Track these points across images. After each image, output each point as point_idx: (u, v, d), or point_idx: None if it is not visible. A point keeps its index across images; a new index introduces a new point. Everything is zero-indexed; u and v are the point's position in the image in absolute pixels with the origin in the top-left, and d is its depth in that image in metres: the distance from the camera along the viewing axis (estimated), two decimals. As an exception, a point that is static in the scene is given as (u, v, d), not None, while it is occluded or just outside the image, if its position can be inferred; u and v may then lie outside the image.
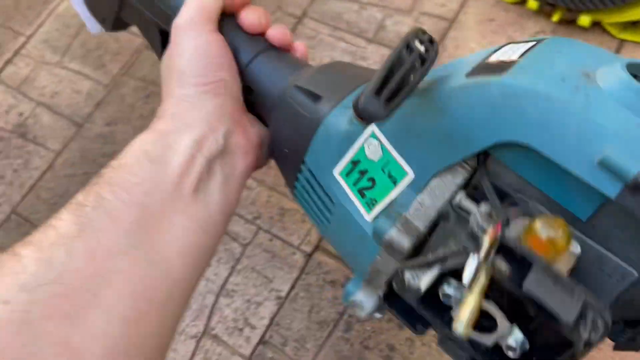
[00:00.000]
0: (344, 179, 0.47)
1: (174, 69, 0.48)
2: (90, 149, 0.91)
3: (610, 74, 0.32)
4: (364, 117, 0.35)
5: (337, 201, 0.48)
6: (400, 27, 0.91)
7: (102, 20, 0.71)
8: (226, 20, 0.56)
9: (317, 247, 0.77)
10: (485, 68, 0.37)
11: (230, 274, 0.78)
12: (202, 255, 0.42)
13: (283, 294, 0.75)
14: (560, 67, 0.34)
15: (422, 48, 0.37)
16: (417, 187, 0.41)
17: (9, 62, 1.02)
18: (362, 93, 0.36)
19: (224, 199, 0.45)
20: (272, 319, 0.74)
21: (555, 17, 0.82)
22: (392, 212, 0.42)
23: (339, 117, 0.47)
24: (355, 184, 0.46)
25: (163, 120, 0.46)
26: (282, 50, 0.58)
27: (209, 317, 0.75)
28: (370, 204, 0.45)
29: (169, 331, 0.38)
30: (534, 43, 0.38)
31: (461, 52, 0.86)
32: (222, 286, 0.77)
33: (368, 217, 0.45)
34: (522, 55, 0.36)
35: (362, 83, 0.49)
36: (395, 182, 0.43)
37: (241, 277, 0.77)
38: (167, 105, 0.47)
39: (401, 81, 0.36)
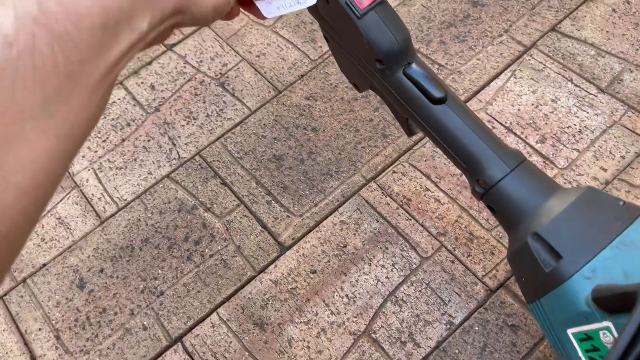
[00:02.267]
0: (577, 342, 0.51)
1: None
2: (285, 116, 0.91)
3: None
4: None
5: (568, 354, 0.52)
6: (639, 85, 0.84)
7: None
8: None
9: (502, 285, 0.72)
10: None
11: (402, 282, 0.74)
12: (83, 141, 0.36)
13: (456, 321, 0.70)
14: None
15: None
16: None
17: (224, 13, 1.05)
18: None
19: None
20: (439, 343, 0.69)
21: None
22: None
23: (579, 288, 0.49)
24: (587, 351, 0.50)
25: None
26: (533, 167, 0.59)
27: (373, 319, 0.72)
28: None
29: (42, 210, 0.34)
30: None
31: None
32: (392, 292, 0.73)
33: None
34: None
35: (610, 238, 0.50)
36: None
37: (414, 289, 0.73)
38: None
39: None
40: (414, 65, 0.63)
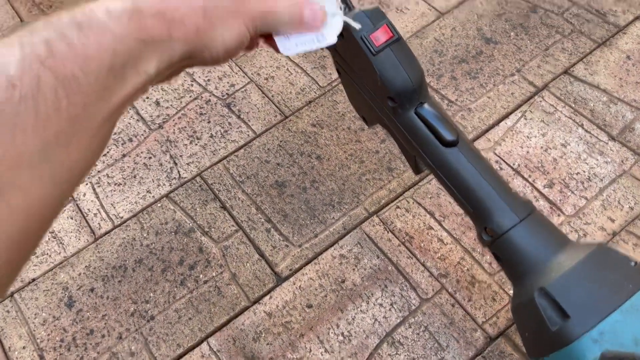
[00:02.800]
0: None
1: None
2: (290, 142, 0.89)
3: None
4: None
5: None
6: (650, 135, 0.83)
7: None
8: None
9: (502, 333, 0.70)
10: None
11: (400, 323, 0.72)
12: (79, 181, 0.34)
13: (453, 368, 0.68)
14: None
15: None
16: None
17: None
18: None
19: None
20: (434, 390, 0.67)
21: None
22: None
23: (586, 351, 0.48)
24: None
25: None
26: (543, 218, 0.57)
27: (367, 360, 0.70)
28: None
29: (30, 257, 0.32)
30: None
31: None
32: (389, 333, 0.71)
33: None
34: None
35: (621, 301, 0.49)
36: None
37: (411, 332, 0.71)
38: None
39: None
40: (426, 106, 0.61)
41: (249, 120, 0.92)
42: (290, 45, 0.47)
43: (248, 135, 0.91)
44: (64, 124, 0.29)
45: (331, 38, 0.49)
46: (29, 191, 0.29)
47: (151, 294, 0.77)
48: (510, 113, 0.88)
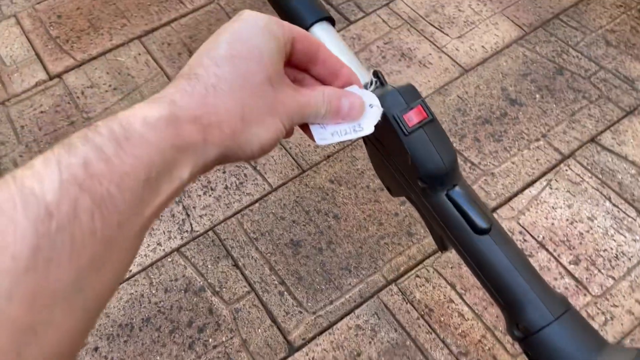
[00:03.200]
0: None
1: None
2: (307, 198, 0.87)
3: None
4: None
5: None
6: (680, 213, 0.80)
7: None
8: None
9: (525, 423, 0.66)
10: None
11: (418, 406, 0.68)
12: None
13: None
14: None
15: None
16: None
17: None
18: None
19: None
20: None
21: None
22: None
23: None
24: None
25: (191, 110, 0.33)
26: (579, 317, 0.54)
27: None
28: None
29: None
30: None
31: None
32: (406, 416, 0.68)
33: None
34: None
35: None
36: None
37: (429, 415, 0.68)
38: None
39: None
40: (458, 188, 0.59)
41: (265, 173, 0.90)
42: (326, 134, 0.45)
43: (264, 188, 0.88)
44: (98, 248, 0.27)
45: (368, 128, 0.47)
46: (60, 326, 0.27)
47: (158, 357, 0.74)
48: (535, 181, 0.85)
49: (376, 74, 0.58)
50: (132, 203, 0.28)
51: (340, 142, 0.43)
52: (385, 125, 0.60)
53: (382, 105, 0.56)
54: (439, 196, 0.59)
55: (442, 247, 0.66)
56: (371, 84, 0.59)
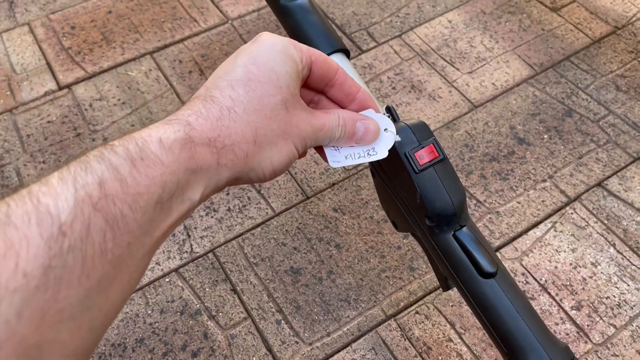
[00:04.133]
0: None
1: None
2: (309, 225, 0.86)
3: None
4: None
5: None
6: (684, 264, 0.80)
7: None
8: None
9: None
10: None
11: None
12: None
13: None
14: None
15: None
16: None
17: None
18: None
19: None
20: None
21: None
22: None
23: None
24: None
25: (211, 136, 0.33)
26: None
27: None
28: None
29: None
30: None
31: None
32: None
33: None
34: None
35: None
36: None
37: None
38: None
39: None
40: (465, 230, 0.58)
41: (269, 197, 0.89)
42: (340, 157, 0.44)
43: (267, 212, 0.88)
44: (107, 267, 0.27)
45: (382, 153, 0.47)
46: (66, 345, 0.26)
47: (148, 381, 0.72)
48: (540, 222, 0.85)
49: (389, 110, 0.58)
50: (143, 223, 0.28)
51: (354, 165, 0.43)
52: (396, 161, 0.59)
53: (395, 142, 0.56)
54: (446, 236, 0.59)
55: (445, 287, 0.65)
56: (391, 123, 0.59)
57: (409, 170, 0.58)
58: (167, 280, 0.81)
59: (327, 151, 0.43)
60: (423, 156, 0.57)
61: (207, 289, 0.80)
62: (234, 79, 0.35)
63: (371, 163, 0.68)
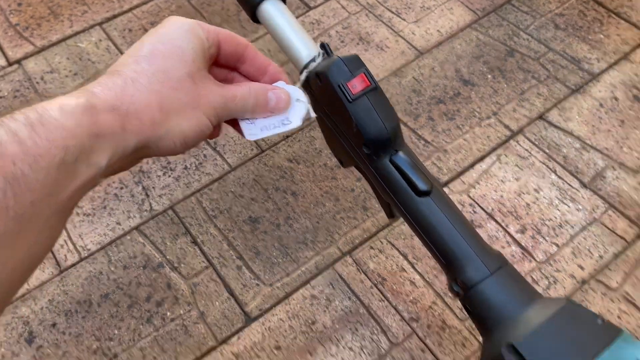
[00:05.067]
0: None
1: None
2: (265, 177, 0.88)
3: None
4: None
5: None
6: (620, 183, 0.84)
7: None
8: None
9: (472, 382, 0.69)
10: None
11: (370, 369, 0.71)
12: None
13: (422, 417, 0.67)
14: None
15: None
16: None
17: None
18: None
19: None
20: None
21: None
22: None
23: None
24: None
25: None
26: (514, 272, 0.57)
27: (335, 407, 0.68)
28: None
29: None
30: None
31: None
32: (358, 379, 0.70)
33: None
34: None
35: None
36: None
37: (380, 378, 0.70)
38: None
39: None
40: (401, 154, 0.61)
41: (224, 153, 0.92)
42: (256, 130, 0.46)
43: (223, 168, 0.90)
44: (10, 223, 0.28)
45: (296, 121, 0.49)
46: None
47: (116, 331, 0.75)
48: (485, 156, 0.89)
49: (323, 46, 0.61)
50: (46, 184, 0.30)
51: (270, 136, 0.45)
52: (332, 95, 0.62)
53: (328, 74, 0.59)
54: (383, 162, 0.62)
55: (390, 215, 0.68)
56: (319, 55, 0.62)
57: (343, 101, 0.61)
58: (129, 238, 0.83)
59: (243, 125, 0.45)
60: (355, 85, 0.59)
61: (168, 243, 0.82)
62: (140, 55, 0.36)
63: (313, 104, 0.71)
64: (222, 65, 0.43)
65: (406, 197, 0.61)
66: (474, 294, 0.56)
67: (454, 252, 0.58)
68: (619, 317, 0.72)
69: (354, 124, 0.61)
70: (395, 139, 0.61)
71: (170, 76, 0.36)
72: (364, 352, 0.72)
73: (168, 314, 0.76)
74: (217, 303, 0.77)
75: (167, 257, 0.81)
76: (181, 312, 0.76)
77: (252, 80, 0.45)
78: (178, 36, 0.38)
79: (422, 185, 0.60)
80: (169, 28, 0.38)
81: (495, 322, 0.55)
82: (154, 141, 0.36)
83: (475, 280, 0.56)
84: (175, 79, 0.36)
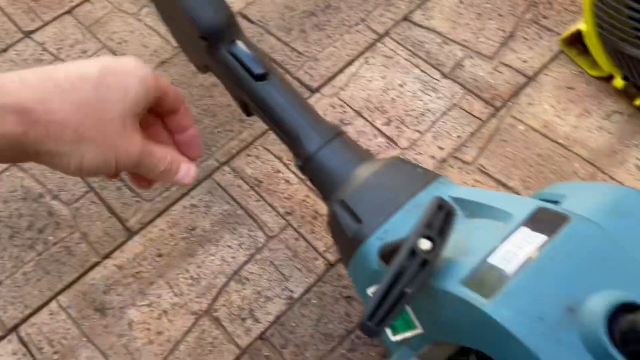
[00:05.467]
0: None
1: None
2: (143, 102, 0.89)
3: (595, 315, 0.34)
4: (364, 333, 0.40)
5: None
6: (477, 70, 0.89)
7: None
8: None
9: (341, 259, 0.74)
10: (479, 280, 0.40)
11: (247, 261, 0.75)
12: None
13: (295, 295, 0.72)
14: (548, 297, 0.37)
15: (427, 245, 0.39)
16: (425, 338, 0.48)
17: (87, 0, 1.02)
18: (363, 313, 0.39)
19: None
20: (277, 318, 0.70)
21: (638, 102, 0.81)
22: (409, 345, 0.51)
23: (373, 249, 0.52)
24: None
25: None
26: (348, 139, 0.62)
27: (215, 299, 0.72)
28: (393, 329, 0.52)
29: None
30: (553, 236, 0.39)
31: (534, 110, 0.85)
32: (237, 271, 0.74)
33: (392, 337, 0.52)
34: (528, 259, 0.38)
35: (404, 201, 0.53)
36: (410, 327, 0.49)
37: (257, 267, 0.74)
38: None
39: (397, 298, 0.39)
40: (238, 43, 0.64)
41: (101, 85, 0.92)
42: None
43: (101, 99, 0.90)
44: None
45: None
46: None
47: (-1, 261, 0.76)
48: (354, 60, 0.92)
49: None
50: None
51: None
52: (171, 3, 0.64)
53: None
54: (222, 53, 0.64)
55: (246, 112, 0.71)
56: None
57: (176, 1, 0.63)
58: (8, 174, 0.83)
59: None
60: None
61: (48, 175, 0.83)
62: (87, 71, 0.35)
63: (159, 13, 0.73)
64: (150, 109, 0.41)
65: (246, 84, 0.64)
66: (312, 163, 0.60)
67: (292, 128, 0.62)
68: (473, 186, 0.78)
69: (187, 18, 0.63)
70: (229, 28, 0.64)
71: (104, 108, 0.35)
72: (241, 248, 0.76)
73: (50, 238, 0.77)
74: (98, 223, 0.78)
75: (48, 187, 0.82)
76: (63, 235, 0.78)
77: (169, 133, 0.42)
78: (131, 78, 0.36)
79: (257, 70, 0.63)
80: (127, 65, 0.37)
81: (332, 185, 0.59)
82: (51, 154, 0.35)
83: (311, 150, 0.60)
84: (108, 114, 0.36)
